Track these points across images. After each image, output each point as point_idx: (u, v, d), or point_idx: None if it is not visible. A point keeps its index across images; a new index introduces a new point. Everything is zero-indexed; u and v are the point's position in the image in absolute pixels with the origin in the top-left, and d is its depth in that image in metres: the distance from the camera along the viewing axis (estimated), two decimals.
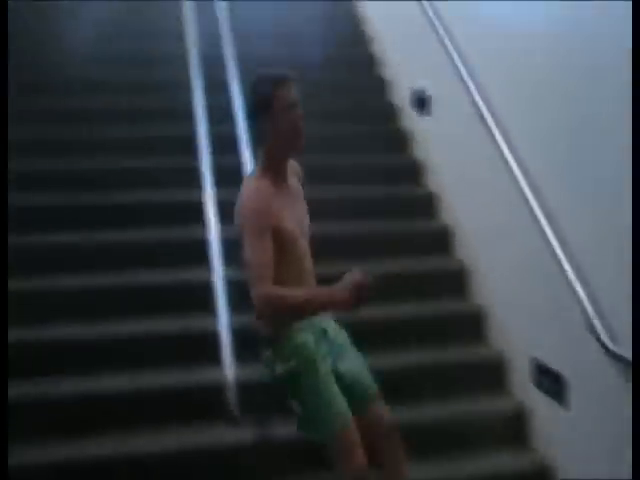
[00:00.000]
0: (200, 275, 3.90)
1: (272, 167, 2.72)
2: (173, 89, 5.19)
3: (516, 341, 4.01)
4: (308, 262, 2.81)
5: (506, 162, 3.87)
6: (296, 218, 2.74)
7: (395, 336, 4.03)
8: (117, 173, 4.81)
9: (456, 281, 4.58)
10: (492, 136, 4.03)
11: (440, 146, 5.07)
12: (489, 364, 4.13)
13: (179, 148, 4.78)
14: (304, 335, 2.73)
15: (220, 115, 4.62)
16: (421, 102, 5.23)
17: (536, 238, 3.53)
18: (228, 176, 3.80)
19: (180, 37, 5.23)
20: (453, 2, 4.72)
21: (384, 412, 2.83)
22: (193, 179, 4.31)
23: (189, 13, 5.29)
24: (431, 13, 4.82)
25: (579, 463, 3.40)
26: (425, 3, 4.90)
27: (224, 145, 4.40)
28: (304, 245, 2.78)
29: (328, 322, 2.91)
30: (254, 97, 2.71)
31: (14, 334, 3.30)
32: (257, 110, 2.69)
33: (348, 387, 2.76)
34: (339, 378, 2.76)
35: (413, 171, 5.27)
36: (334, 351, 2.84)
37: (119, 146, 5.01)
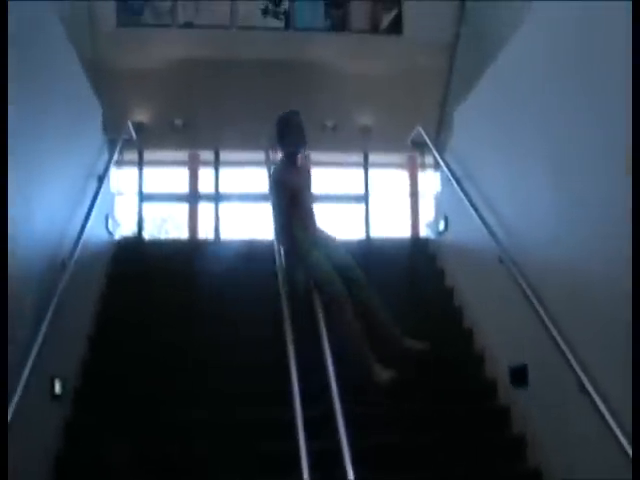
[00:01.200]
0: None
1: (287, 156, 5.41)
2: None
3: None
4: (307, 205, 5.38)
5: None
6: (299, 181, 5.38)
7: None
8: None
9: None
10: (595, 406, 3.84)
11: (540, 419, 4.86)
12: None
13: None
14: (303, 244, 5.16)
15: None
16: (519, 375, 5.06)
17: None
18: None
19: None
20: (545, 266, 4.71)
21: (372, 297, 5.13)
22: None
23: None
24: (522, 282, 4.80)
25: None
26: (516, 272, 4.91)
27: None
28: (304, 195, 5.37)
29: (320, 236, 5.33)
30: (279, 121, 5.37)
31: None
32: (281, 128, 5.36)
33: (343, 272, 5.10)
34: (335, 266, 5.09)
35: (513, 447, 5.02)
36: (326, 249, 5.20)
37: None
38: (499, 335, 5.60)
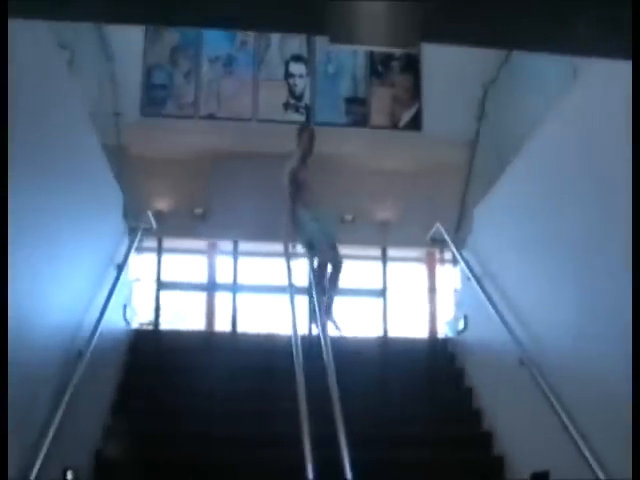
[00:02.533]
0: None
1: (301, 159, 8.00)
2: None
3: None
4: (308, 191, 7.88)
5: None
6: (306, 175, 7.91)
7: None
8: None
9: None
10: None
11: None
12: None
13: None
14: (303, 218, 7.82)
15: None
16: None
17: None
18: None
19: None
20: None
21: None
22: None
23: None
24: (544, 386, 4.71)
25: None
26: (537, 374, 4.83)
27: None
28: (308, 185, 7.91)
29: (317, 211, 7.88)
30: (298, 131, 8.23)
31: None
32: (299, 133, 8.17)
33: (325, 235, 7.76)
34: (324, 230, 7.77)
35: None
36: (320, 220, 7.81)
37: None
38: (520, 439, 5.47)
